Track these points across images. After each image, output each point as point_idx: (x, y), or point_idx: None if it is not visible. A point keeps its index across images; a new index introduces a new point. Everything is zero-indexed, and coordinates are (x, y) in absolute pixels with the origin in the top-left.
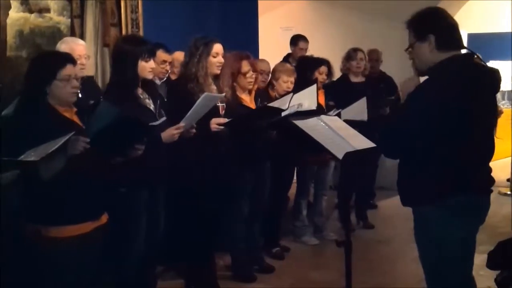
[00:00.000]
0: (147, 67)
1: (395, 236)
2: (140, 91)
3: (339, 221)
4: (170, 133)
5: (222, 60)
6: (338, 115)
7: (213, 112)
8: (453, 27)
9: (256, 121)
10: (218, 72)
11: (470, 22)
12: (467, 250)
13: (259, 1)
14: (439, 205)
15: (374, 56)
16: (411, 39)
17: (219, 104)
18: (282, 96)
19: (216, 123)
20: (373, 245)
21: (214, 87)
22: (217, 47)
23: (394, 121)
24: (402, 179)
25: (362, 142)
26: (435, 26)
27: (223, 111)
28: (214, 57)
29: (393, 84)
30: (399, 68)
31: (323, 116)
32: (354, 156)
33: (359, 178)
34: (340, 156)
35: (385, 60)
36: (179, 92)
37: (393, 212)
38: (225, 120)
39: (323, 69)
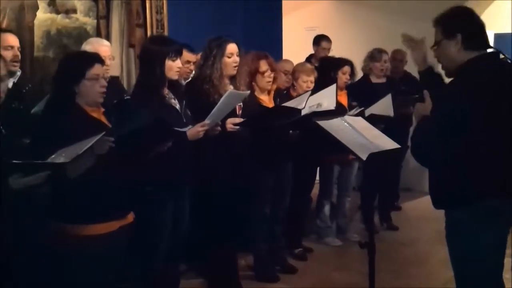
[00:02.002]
0: (174, 67)
1: (419, 238)
2: (166, 91)
3: (362, 223)
4: (195, 131)
5: (238, 59)
6: (361, 113)
7: (230, 112)
8: (481, 27)
9: (273, 121)
10: (234, 72)
11: (497, 22)
12: (499, 253)
13: (283, 2)
14: (473, 208)
15: (398, 57)
16: (438, 37)
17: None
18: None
19: (231, 122)
20: (396, 247)
21: (230, 87)
22: (231, 47)
23: (424, 127)
24: (434, 182)
25: (386, 143)
26: (464, 25)
27: (240, 111)
28: (229, 57)
29: (418, 85)
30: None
31: (346, 117)
32: (377, 157)
33: (382, 179)
34: (364, 157)
35: (409, 60)
36: (195, 93)
37: (417, 214)
38: (240, 119)
39: (346, 69)
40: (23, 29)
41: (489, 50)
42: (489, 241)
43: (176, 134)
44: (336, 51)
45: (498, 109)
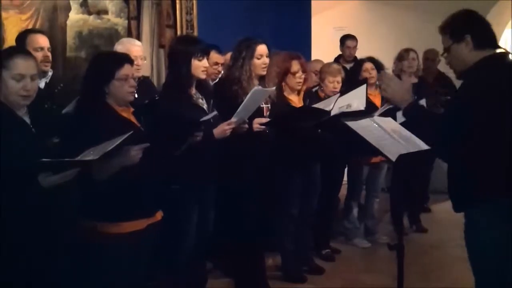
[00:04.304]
0: (200, 66)
1: (449, 240)
2: (193, 90)
3: (391, 224)
4: (222, 129)
5: (267, 61)
6: (389, 111)
7: (257, 113)
8: (487, 26)
9: (300, 122)
10: (264, 73)
11: None
12: None
13: (312, 1)
14: (486, 207)
15: (430, 56)
16: (446, 43)
17: (264, 106)
18: (330, 97)
19: (257, 122)
20: (426, 249)
21: (258, 86)
22: (261, 49)
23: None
24: (452, 184)
25: (416, 144)
26: (471, 25)
27: (268, 112)
28: (258, 58)
29: (451, 85)
30: None
31: (376, 117)
32: (407, 158)
33: (412, 181)
34: (393, 158)
35: (442, 59)
36: (224, 93)
37: (447, 216)
38: (267, 119)
39: (367, 65)
40: (56, 30)
41: (498, 50)
42: (504, 240)
43: (200, 124)
44: (365, 51)
45: (509, 109)
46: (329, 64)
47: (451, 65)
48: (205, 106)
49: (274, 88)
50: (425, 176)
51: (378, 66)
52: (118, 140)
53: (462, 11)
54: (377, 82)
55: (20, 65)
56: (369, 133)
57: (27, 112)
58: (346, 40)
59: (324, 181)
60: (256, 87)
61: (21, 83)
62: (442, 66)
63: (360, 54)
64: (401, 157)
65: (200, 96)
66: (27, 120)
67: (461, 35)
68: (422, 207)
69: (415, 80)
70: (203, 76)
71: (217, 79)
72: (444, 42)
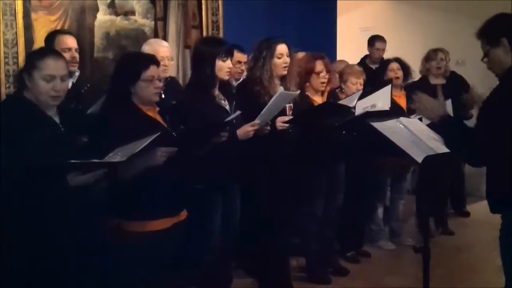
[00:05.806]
0: (224, 67)
1: (476, 243)
2: (216, 91)
3: (417, 226)
4: (245, 130)
5: (288, 60)
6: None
7: (280, 112)
8: None
9: (323, 120)
10: (285, 73)
11: None
12: None
13: (338, 2)
14: None
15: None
16: (484, 48)
17: (286, 105)
18: None
19: (281, 121)
20: (452, 252)
21: (281, 88)
22: (281, 48)
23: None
24: (491, 185)
25: (442, 146)
26: (507, 28)
27: (290, 112)
28: (279, 58)
29: (464, 83)
30: (483, 69)
31: (402, 118)
32: (434, 159)
33: (438, 183)
34: (419, 159)
35: (468, 60)
36: (246, 94)
37: (473, 219)
38: (290, 117)
39: (393, 65)
40: (84, 30)
41: None
42: None
43: (225, 125)
44: (391, 52)
45: None
46: (351, 65)
47: (491, 69)
48: (227, 107)
49: (298, 91)
50: (459, 179)
51: (405, 67)
52: (145, 141)
53: (496, 15)
54: (411, 106)
55: (51, 65)
56: (395, 134)
57: (57, 112)
58: (376, 41)
59: (350, 182)
60: (281, 90)
61: (51, 83)
62: (466, 67)
63: (386, 54)
64: (427, 158)
65: (223, 97)
66: (57, 120)
67: (497, 39)
68: (460, 211)
69: (443, 81)
70: (226, 77)
71: (240, 79)
72: (482, 48)
